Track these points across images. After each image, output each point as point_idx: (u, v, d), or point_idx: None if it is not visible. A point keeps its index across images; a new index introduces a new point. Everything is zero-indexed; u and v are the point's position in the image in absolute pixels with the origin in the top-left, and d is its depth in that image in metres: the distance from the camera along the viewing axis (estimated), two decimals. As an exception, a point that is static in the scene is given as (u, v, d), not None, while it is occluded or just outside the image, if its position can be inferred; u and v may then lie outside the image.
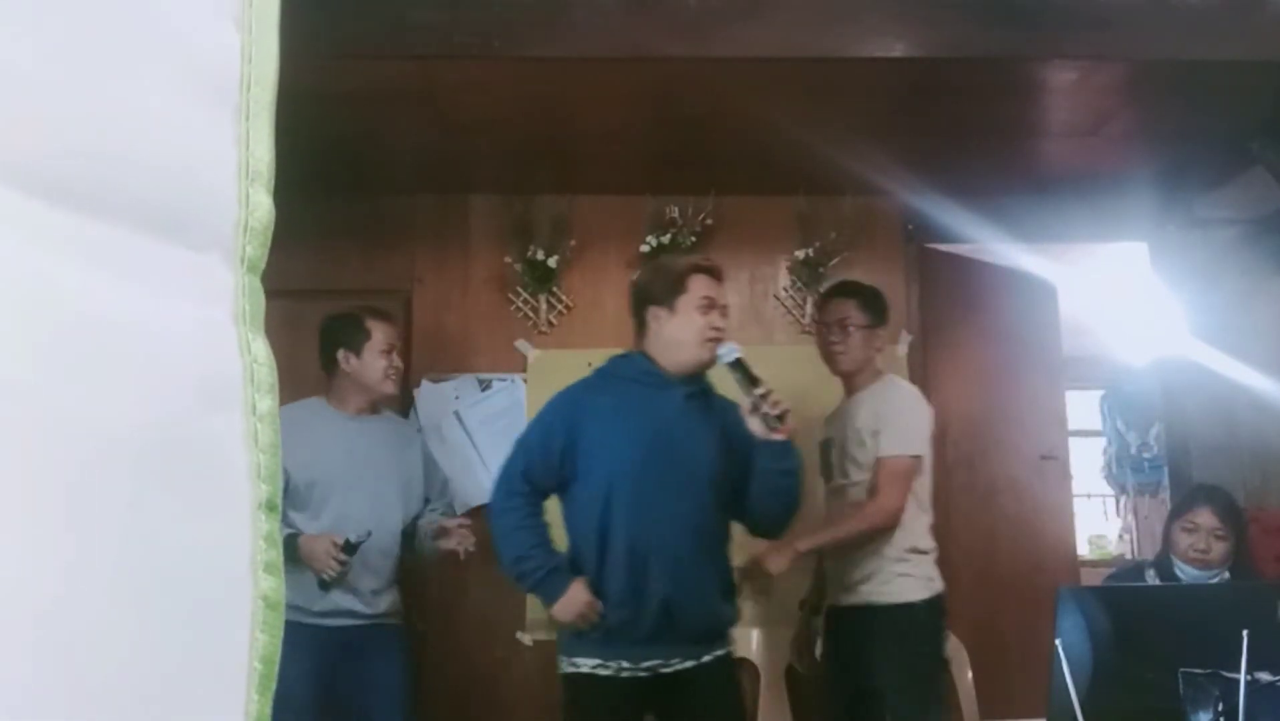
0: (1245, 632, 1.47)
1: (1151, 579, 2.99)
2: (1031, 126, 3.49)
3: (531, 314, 3.86)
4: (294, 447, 2.81)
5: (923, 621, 2.79)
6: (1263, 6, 2.91)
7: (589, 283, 3.92)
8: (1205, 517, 2.88)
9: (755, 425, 2.41)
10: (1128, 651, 1.64)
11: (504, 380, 3.82)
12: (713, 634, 2.51)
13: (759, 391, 2.37)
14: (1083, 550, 6.03)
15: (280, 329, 3.40)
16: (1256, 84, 3.11)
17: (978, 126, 3.40)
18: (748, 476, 2.50)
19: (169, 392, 0.63)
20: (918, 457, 2.87)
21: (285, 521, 2.82)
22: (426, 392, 3.77)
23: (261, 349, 0.72)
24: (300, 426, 2.85)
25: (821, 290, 3.22)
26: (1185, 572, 2.88)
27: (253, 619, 0.66)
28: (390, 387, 3.01)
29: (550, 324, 3.87)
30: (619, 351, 2.70)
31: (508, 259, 3.86)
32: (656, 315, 2.53)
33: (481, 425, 3.77)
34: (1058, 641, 1.60)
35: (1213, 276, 4.05)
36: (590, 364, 3.73)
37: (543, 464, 2.51)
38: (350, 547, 2.73)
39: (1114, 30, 2.90)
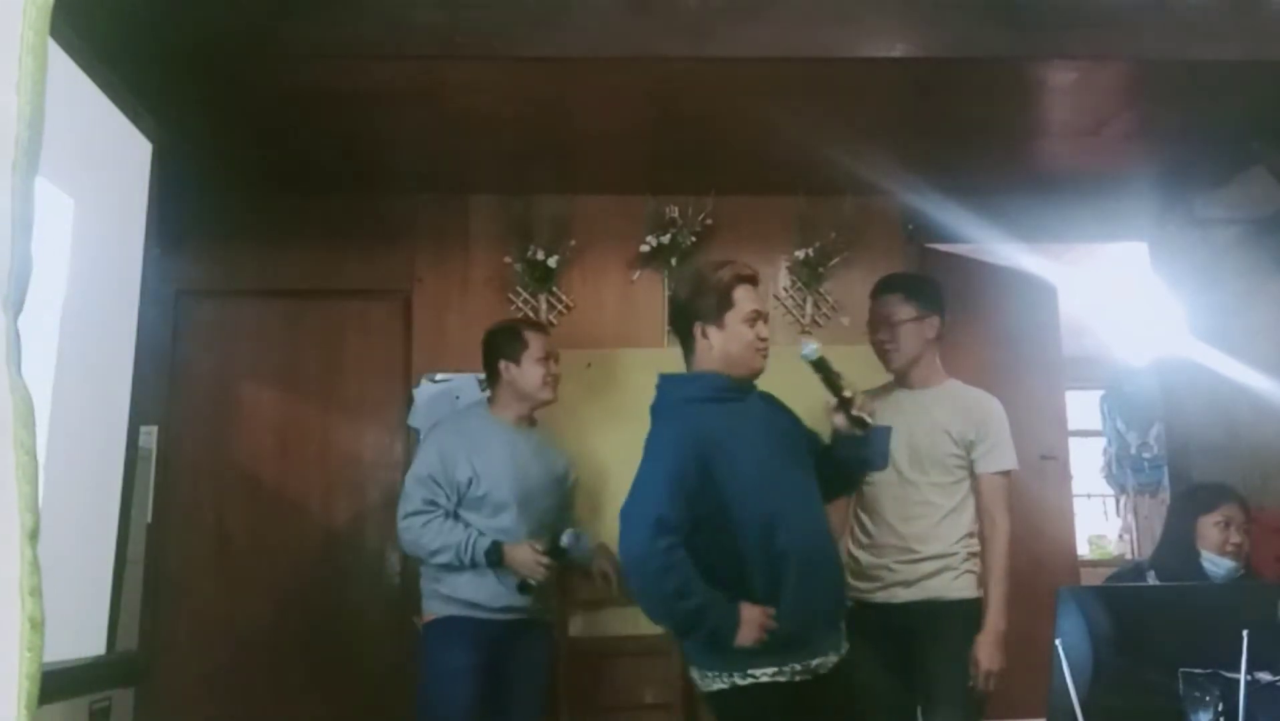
0: (1245, 632, 1.47)
1: (1152, 579, 3.00)
2: (1031, 126, 3.49)
3: (531, 314, 3.86)
4: (473, 455, 3.06)
5: (977, 616, 2.80)
6: (1263, 6, 2.92)
7: (589, 283, 3.92)
8: (1235, 511, 2.97)
9: (840, 420, 2.43)
10: (1128, 651, 1.64)
11: (504, 380, 3.82)
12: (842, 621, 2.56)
13: (847, 394, 2.40)
14: (1083, 550, 6.03)
15: (281, 328, 3.41)
16: (1256, 84, 3.11)
17: (978, 126, 3.40)
18: (822, 463, 2.54)
19: None
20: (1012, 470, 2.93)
21: (465, 523, 3.04)
22: (426, 392, 3.77)
23: (22, 387, 0.75)
24: (474, 435, 3.12)
25: (873, 290, 3.10)
26: (1219, 566, 2.91)
27: (20, 639, 0.68)
28: (549, 394, 3.16)
29: (550, 324, 3.87)
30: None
31: (508, 259, 3.86)
32: (705, 331, 2.50)
33: (482, 425, 3.77)
34: (1058, 641, 1.60)
35: (1213, 276, 4.05)
36: (590, 364, 3.79)
37: (683, 508, 2.40)
38: (558, 552, 2.98)
39: (1114, 30, 2.90)
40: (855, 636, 2.94)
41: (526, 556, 2.96)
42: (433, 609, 3.09)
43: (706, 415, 2.48)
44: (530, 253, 3.81)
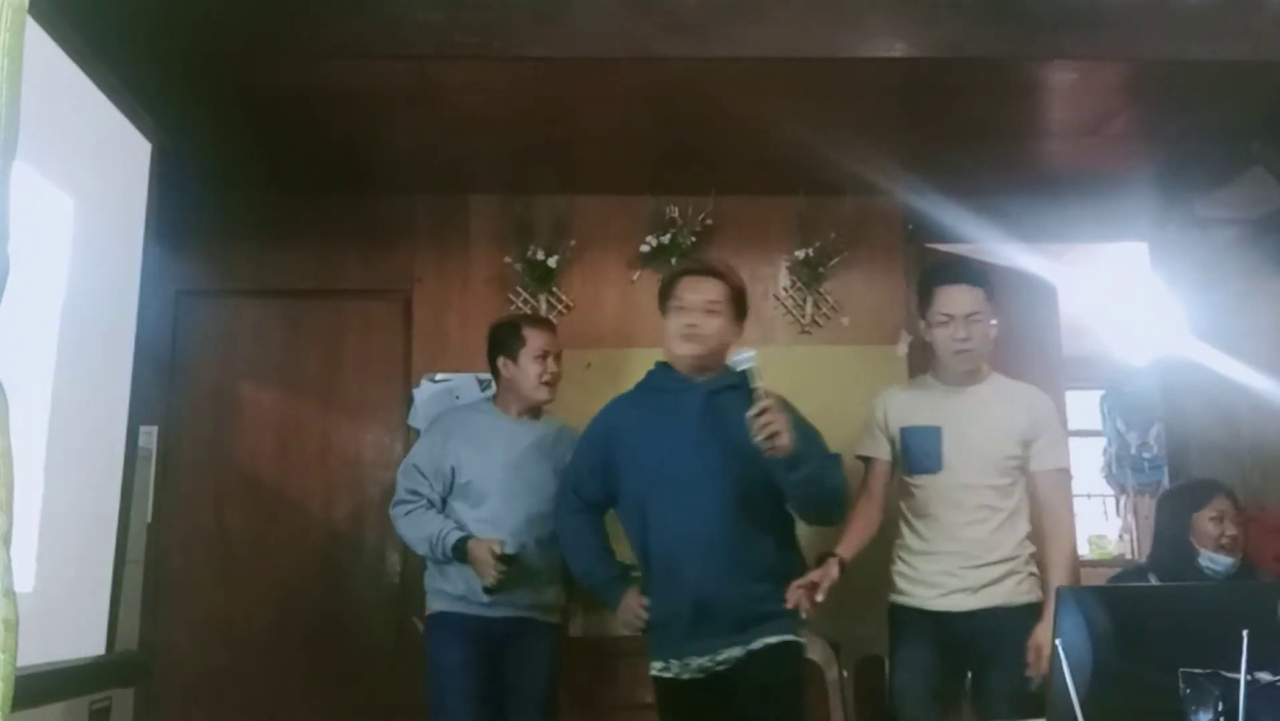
0: (1245, 632, 1.47)
1: (1153, 581, 3.00)
2: (1031, 126, 3.49)
3: (531, 314, 3.86)
4: (459, 444, 3.05)
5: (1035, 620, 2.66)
6: (1262, 7, 2.91)
7: (589, 283, 3.92)
8: (1227, 504, 2.99)
9: (756, 438, 2.37)
10: (1128, 651, 1.64)
11: (504, 380, 3.82)
12: (756, 618, 2.49)
13: (751, 411, 2.34)
14: (1083, 550, 6.02)
15: (281, 328, 3.42)
16: (1256, 84, 3.11)
17: (978, 126, 3.40)
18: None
19: None
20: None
21: (448, 513, 3.04)
22: (426, 392, 3.77)
23: None
24: (466, 425, 3.13)
25: (925, 278, 2.85)
26: (1217, 562, 2.91)
27: None
28: (544, 395, 3.11)
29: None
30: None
31: (508, 259, 3.86)
32: (663, 322, 2.65)
33: (482, 425, 3.77)
34: (1058, 641, 1.60)
35: (1213, 276, 4.05)
36: (590, 364, 3.79)
37: (588, 480, 2.67)
38: (507, 559, 2.86)
39: (1114, 30, 2.90)
40: (903, 643, 2.82)
41: (481, 555, 2.87)
42: (431, 603, 3.08)
43: (633, 403, 2.68)
44: (530, 253, 3.81)
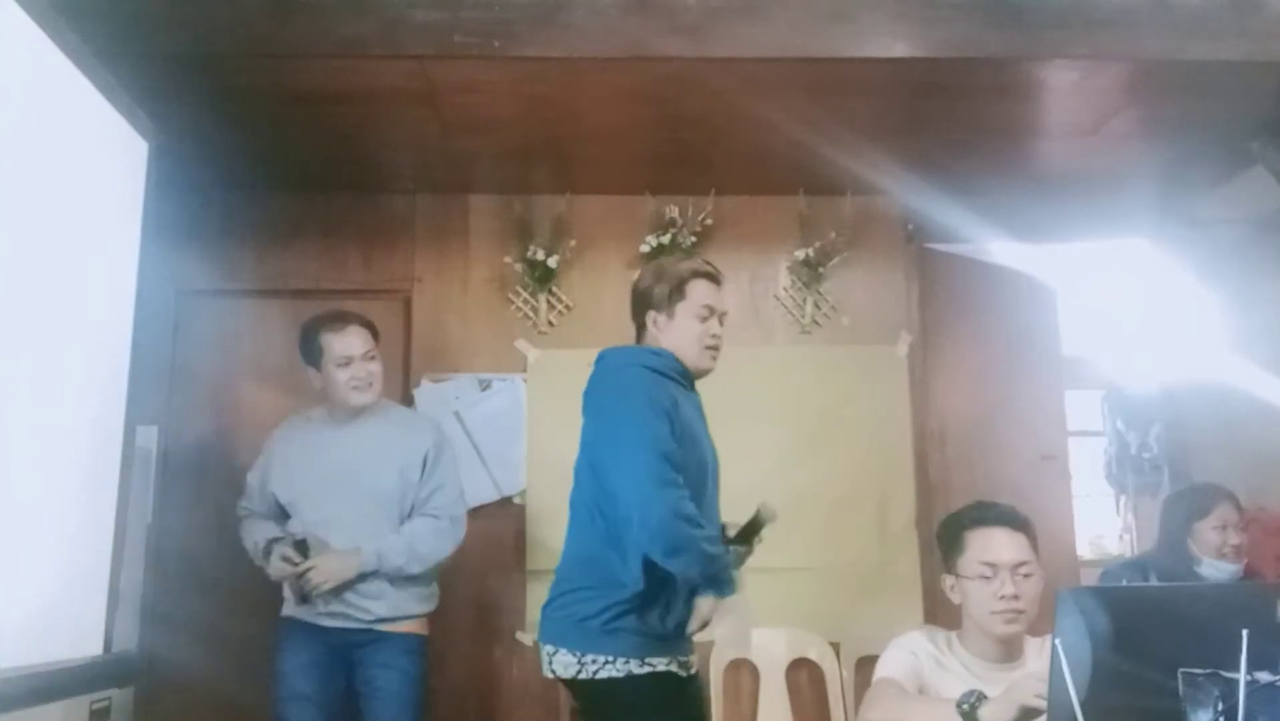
0: (1245, 632, 1.47)
1: (1154, 580, 3.00)
2: (1031, 126, 3.49)
3: (531, 314, 3.86)
4: (276, 466, 3.00)
5: None
6: (1263, 7, 2.92)
7: (589, 283, 3.92)
8: (1230, 512, 2.99)
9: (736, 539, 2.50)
10: (1128, 651, 1.63)
11: (504, 380, 3.82)
12: None
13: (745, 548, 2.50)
14: (1083, 550, 6.02)
15: (282, 329, 3.43)
16: (1256, 84, 3.11)
17: (978, 126, 3.40)
18: None
19: None
20: None
21: (274, 523, 3.01)
22: (426, 392, 3.77)
23: None
24: (288, 439, 3.05)
25: (950, 524, 2.24)
26: (1220, 570, 2.92)
27: None
28: (359, 399, 2.93)
29: (550, 324, 3.87)
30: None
31: (508, 259, 3.86)
32: (655, 320, 2.50)
33: (481, 425, 3.76)
34: (1057, 641, 1.60)
35: (1213, 276, 4.05)
36: (591, 364, 3.78)
37: (677, 455, 2.36)
38: (302, 547, 2.82)
39: (1114, 30, 2.90)
40: None
41: (274, 560, 2.81)
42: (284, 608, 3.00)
43: (674, 386, 2.43)
44: (530, 253, 3.81)
